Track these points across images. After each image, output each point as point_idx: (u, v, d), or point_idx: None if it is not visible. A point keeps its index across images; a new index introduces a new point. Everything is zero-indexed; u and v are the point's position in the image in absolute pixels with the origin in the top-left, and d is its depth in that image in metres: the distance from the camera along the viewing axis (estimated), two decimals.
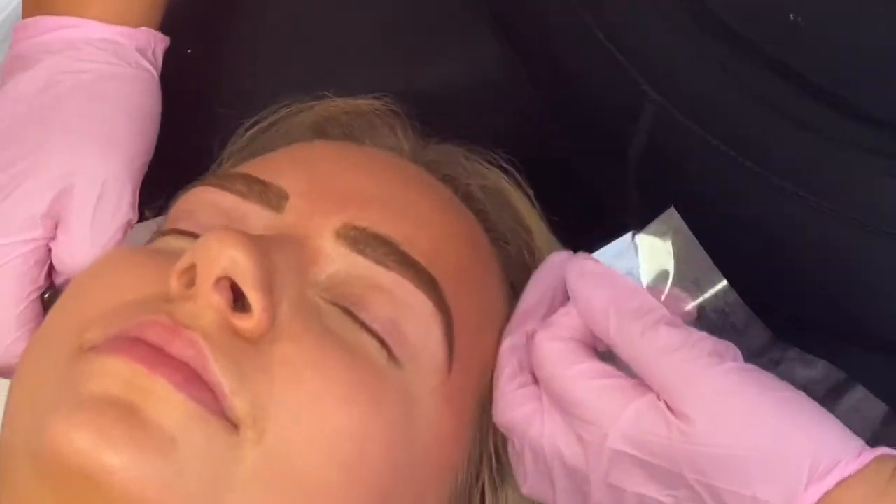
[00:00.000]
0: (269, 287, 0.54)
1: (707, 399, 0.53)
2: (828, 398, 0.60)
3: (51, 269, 0.65)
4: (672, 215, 0.60)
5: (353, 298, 0.57)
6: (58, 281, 0.65)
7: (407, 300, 0.58)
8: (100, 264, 0.59)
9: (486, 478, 0.61)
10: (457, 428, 0.59)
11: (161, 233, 0.62)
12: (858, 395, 0.60)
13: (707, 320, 0.59)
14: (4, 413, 0.57)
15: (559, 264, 0.60)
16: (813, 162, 0.59)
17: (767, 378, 0.54)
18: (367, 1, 0.71)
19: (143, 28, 0.68)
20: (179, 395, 0.51)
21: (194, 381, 0.52)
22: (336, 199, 0.59)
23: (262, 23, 0.81)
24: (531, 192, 0.68)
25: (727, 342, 0.55)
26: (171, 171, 0.65)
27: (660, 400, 0.53)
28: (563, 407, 0.55)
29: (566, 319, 0.57)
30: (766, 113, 0.59)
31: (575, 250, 0.63)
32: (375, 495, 0.55)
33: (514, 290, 0.65)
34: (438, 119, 0.69)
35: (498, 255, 0.65)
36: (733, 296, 0.59)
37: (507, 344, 0.59)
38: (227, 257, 0.53)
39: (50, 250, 0.65)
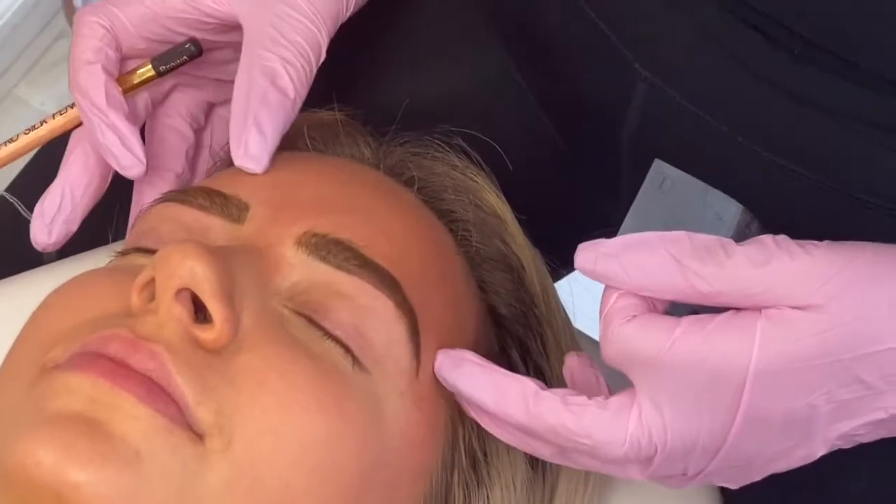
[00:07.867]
0: (229, 297, 0.54)
1: (829, 281, 0.51)
2: None
3: None
4: (660, 166, 0.58)
5: (314, 306, 0.57)
6: None
7: (369, 304, 0.57)
8: (63, 288, 0.59)
9: (458, 479, 0.60)
10: (428, 430, 0.59)
11: (122, 252, 0.62)
12: None
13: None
14: None
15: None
16: (811, 137, 0.58)
17: (847, 245, 0.53)
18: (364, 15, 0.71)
19: None
20: (143, 408, 0.51)
21: (157, 393, 0.51)
22: (296, 207, 0.59)
23: None
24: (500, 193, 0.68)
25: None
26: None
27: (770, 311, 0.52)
28: (679, 379, 0.52)
29: (620, 301, 0.53)
30: (761, 87, 0.58)
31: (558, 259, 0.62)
32: (346, 501, 0.54)
33: (482, 287, 0.65)
34: (438, 123, 0.68)
35: (464, 253, 0.65)
36: (748, 214, 0.58)
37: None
38: (187, 268, 0.53)
39: None
